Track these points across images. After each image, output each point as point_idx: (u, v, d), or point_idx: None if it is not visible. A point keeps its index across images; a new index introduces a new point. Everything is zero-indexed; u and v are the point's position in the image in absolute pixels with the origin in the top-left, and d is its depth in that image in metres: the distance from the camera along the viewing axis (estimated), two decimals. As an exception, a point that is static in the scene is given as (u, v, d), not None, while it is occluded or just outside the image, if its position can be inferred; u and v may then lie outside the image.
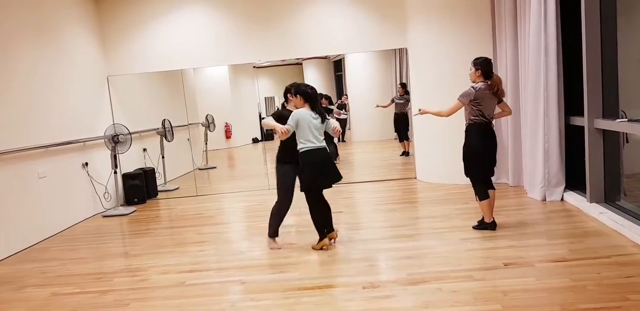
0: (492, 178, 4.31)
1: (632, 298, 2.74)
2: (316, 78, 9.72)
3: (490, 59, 4.15)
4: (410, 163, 7.53)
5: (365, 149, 9.61)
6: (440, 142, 6.28)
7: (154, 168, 7.27)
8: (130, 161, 6.99)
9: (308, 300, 3.10)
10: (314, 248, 4.07)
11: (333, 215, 4.16)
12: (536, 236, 3.99)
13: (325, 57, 9.35)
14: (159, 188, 7.37)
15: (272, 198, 4.24)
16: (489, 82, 4.08)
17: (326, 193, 4.10)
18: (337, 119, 9.00)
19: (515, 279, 3.14)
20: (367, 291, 3.15)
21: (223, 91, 9.21)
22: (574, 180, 5.06)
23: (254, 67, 9.32)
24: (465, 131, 4.20)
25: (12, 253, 4.73)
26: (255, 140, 9.74)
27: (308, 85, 4.08)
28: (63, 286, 3.73)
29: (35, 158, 5.27)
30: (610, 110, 4.36)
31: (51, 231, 5.38)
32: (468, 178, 4.27)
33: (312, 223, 4.07)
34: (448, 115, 4.19)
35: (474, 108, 4.07)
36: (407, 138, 8.28)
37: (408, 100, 7.59)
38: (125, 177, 6.71)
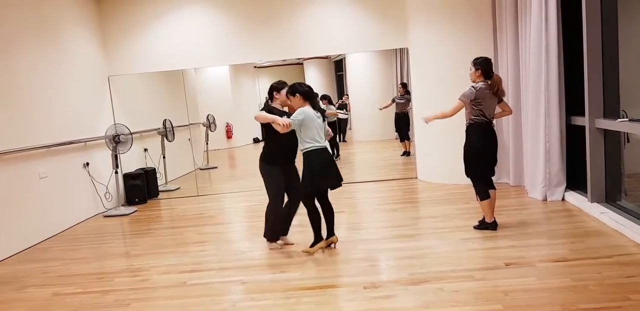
0: (492, 178, 4.31)
1: (634, 298, 2.74)
2: (317, 78, 9.71)
3: (490, 59, 4.14)
4: (411, 163, 7.53)
5: (366, 149, 9.61)
6: (441, 141, 6.28)
7: (154, 168, 7.27)
8: (131, 161, 7.00)
9: (309, 300, 3.10)
10: (306, 252, 3.99)
11: (335, 215, 4.13)
12: (537, 236, 3.99)
13: (326, 57, 9.34)
14: (160, 188, 7.37)
15: (273, 198, 4.23)
16: (489, 82, 4.08)
17: (328, 193, 4.09)
18: (338, 119, 9.02)
19: (516, 279, 3.14)
20: (368, 291, 3.15)
21: (224, 91, 9.21)
22: (575, 180, 5.05)
23: (255, 67, 9.33)
24: (466, 131, 4.20)
25: (14, 253, 4.74)
26: (256, 140, 9.74)
27: (304, 84, 3.96)
28: (64, 286, 3.74)
29: (37, 158, 5.27)
30: (611, 109, 4.36)
31: (52, 231, 5.39)
32: (469, 178, 4.28)
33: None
34: (452, 114, 4.16)
35: (475, 108, 4.07)
36: (408, 138, 8.29)
37: (409, 100, 7.59)
38: (126, 177, 6.71)
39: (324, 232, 4.04)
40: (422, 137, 6.76)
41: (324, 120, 3.94)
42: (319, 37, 6.88)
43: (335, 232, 4.09)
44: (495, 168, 4.33)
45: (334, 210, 4.08)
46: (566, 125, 4.99)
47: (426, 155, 6.71)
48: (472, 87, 4.08)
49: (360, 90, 9.22)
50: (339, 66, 9.79)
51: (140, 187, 6.79)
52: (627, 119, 4.05)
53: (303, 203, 3.98)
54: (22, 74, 5.21)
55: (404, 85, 8.05)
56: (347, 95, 9.41)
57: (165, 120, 7.32)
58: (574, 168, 5.06)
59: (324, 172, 3.81)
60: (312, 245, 4.00)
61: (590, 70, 4.38)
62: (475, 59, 4.13)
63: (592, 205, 4.50)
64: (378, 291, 3.14)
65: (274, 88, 4.11)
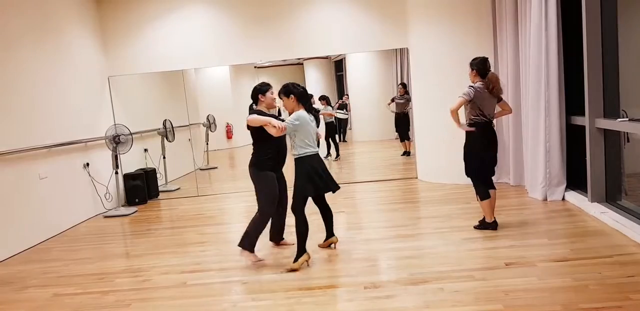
0: (493, 177, 4.31)
1: (634, 298, 2.74)
2: (317, 79, 9.72)
3: (487, 58, 4.13)
4: (411, 163, 7.53)
5: (366, 149, 9.61)
6: (441, 141, 6.28)
7: (155, 169, 7.28)
8: (132, 161, 7.00)
9: (309, 300, 3.10)
10: (290, 270, 3.61)
11: (334, 215, 4.12)
12: (537, 236, 3.99)
13: (326, 57, 9.35)
14: (160, 188, 7.37)
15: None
16: (485, 81, 4.07)
17: (328, 193, 4.08)
18: (338, 119, 9.03)
19: (516, 279, 3.14)
20: (369, 291, 3.16)
21: (224, 91, 9.21)
22: (575, 179, 5.05)
23: (255, 67, 9.32)
24: (466, 131, 4.20)
25: (14, 254, 4.74)
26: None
27: (298, 85, 3.70)
28: (65, 286, 3.74)
29: (37, 158, 5.27)
30: (611, 109, 4.36)
31: (53, 231, 5.39)
32: (469, 178, 4.28)
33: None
34: (457, 109, 4.02)
35: (474, 107, 4.07)
36: (408, 138, 8.29)
37: (408, 100, 7.60)
38: (127, 177, 6.72)
39: (308, 246, 3.76)
40: (422, 137, 6.76)
41: (317, 124, 3.82)
42: (319, 37, 6.88)
43: (335, 232, 4.10)
44: (495, 168, 4.33)
45: (332, 211, 4.06)
46: (566, 124, 4.99)
47: (426, 155, 6.71)
48: (471, 86, 4.08)
49: (360, 90, 9.23)
50: (339, 66, 9.79)
51: (141, 188, 6.80)
52: (627, 119, 4.05)
53: (293, 212, 3.68)
54: (22, 74, 5.21)
55: (404, 85, 8.05)
56: (347, 95, 9.42)
57: (166, 120, 7.32)
58: (574, 168, 5.06)
59: (319, 176, 3.67)
60: (296, 259, 3.67)
61: (590, 70, 4.38)
62: (472, 60, 4.14)
63: (592, 205, 4.50)
64: (378, 291, 3.14)
65: (259, 91, 3.86)
